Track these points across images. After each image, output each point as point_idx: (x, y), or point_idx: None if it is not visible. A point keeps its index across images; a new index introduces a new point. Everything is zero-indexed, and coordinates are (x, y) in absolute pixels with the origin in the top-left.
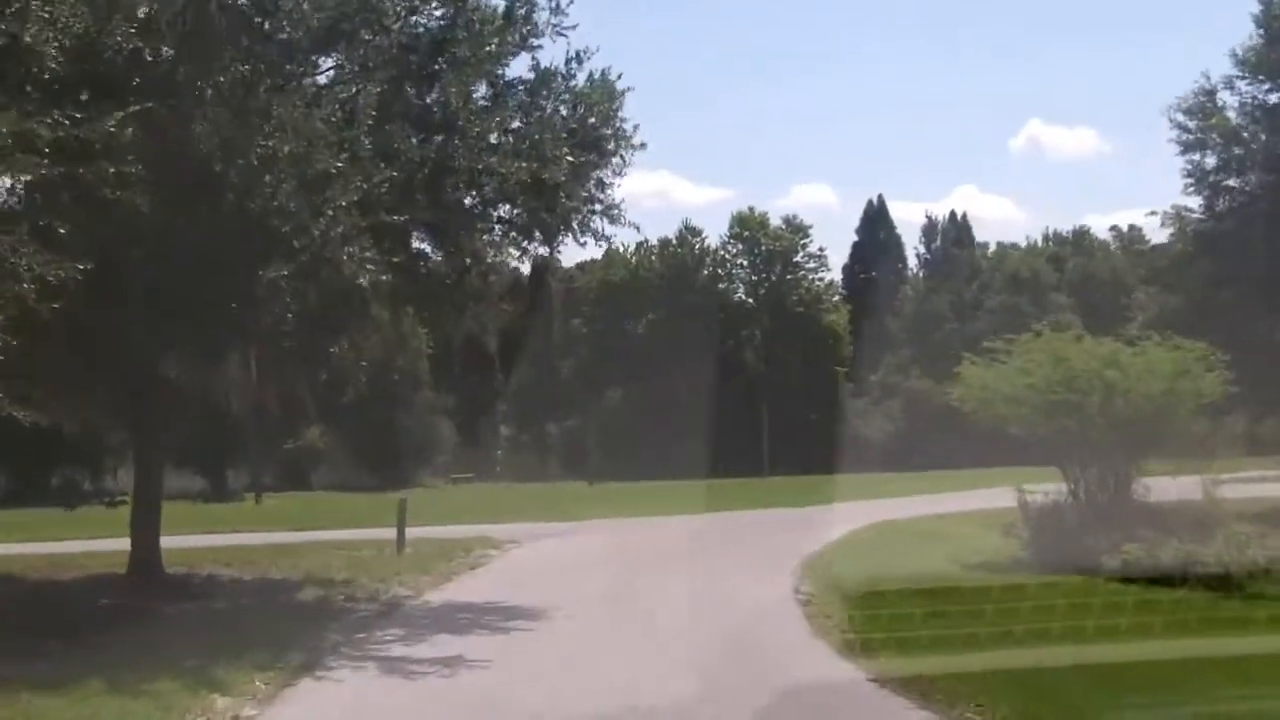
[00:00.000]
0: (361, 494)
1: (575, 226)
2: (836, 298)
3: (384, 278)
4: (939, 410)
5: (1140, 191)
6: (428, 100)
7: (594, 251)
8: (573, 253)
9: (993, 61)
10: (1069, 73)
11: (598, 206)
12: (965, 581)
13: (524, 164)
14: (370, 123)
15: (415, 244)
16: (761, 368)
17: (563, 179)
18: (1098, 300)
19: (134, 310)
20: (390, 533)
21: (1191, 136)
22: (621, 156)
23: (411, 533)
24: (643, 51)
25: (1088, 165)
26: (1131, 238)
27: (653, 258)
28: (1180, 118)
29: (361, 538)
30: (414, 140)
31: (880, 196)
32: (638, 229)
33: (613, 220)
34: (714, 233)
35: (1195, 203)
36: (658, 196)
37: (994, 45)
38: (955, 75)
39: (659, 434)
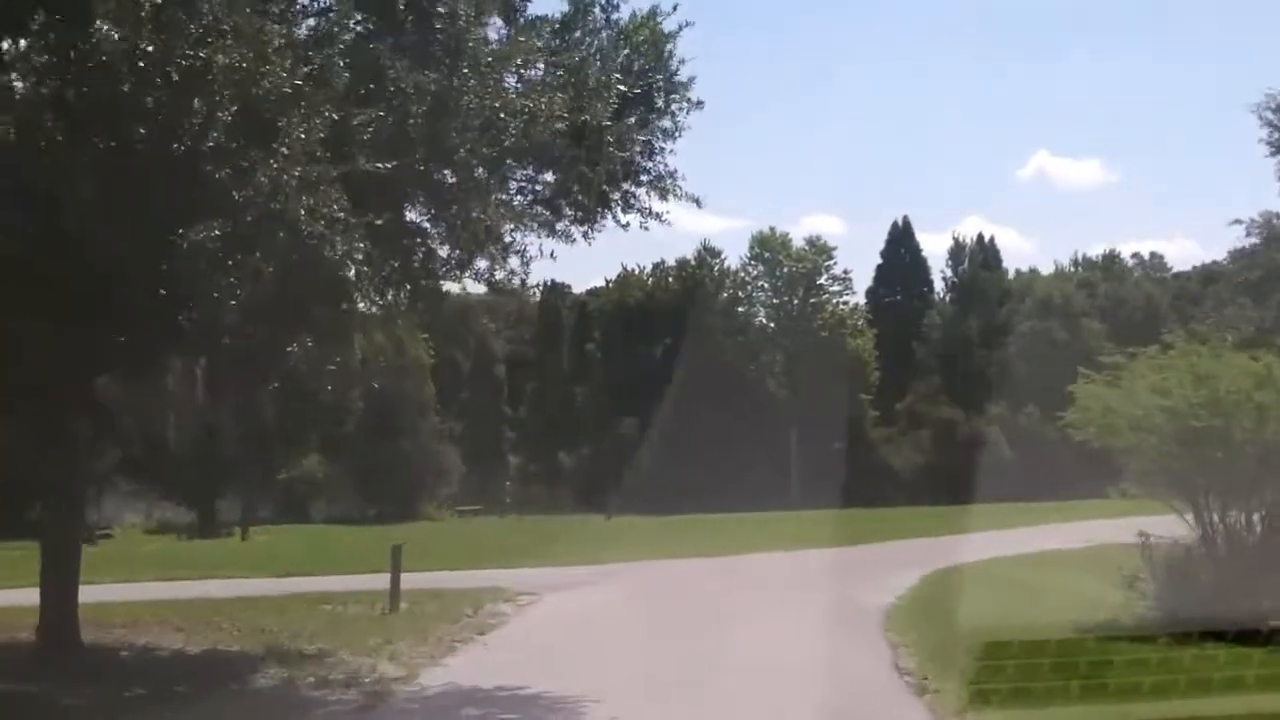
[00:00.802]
0: (363, 527)
1: (621, 194)
2: (862, 321)
3: (360, 246)
4: (969, 440)
5: (1143, 222)
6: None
7: (611, 264)
8: (588, 268)
9: (1000, 93)
10: (1076, 105)
11: (645, 177)
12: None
13: (560, 95)
14: (348, 39)
15: (409, 215)
16: (784, 394)
17: (608, 122)
18: (1132, 326)
19: (31, 299)
20: (387, 579)
21: None
22: (674, 115)
23: (411, 580)
24: None
25: (1093, 196)
26: (1153, 264)
27: (670, 280)
28: (1271, 115)
29: (353, 586)
30: (408, 68)
31: (905, 218)
32: (698, 203)
33: (664, 194)
34: (733, 256)
35: None
36: (665, 224)
37: (1002, 77)
38: (962, 107)
39: (677, 464)
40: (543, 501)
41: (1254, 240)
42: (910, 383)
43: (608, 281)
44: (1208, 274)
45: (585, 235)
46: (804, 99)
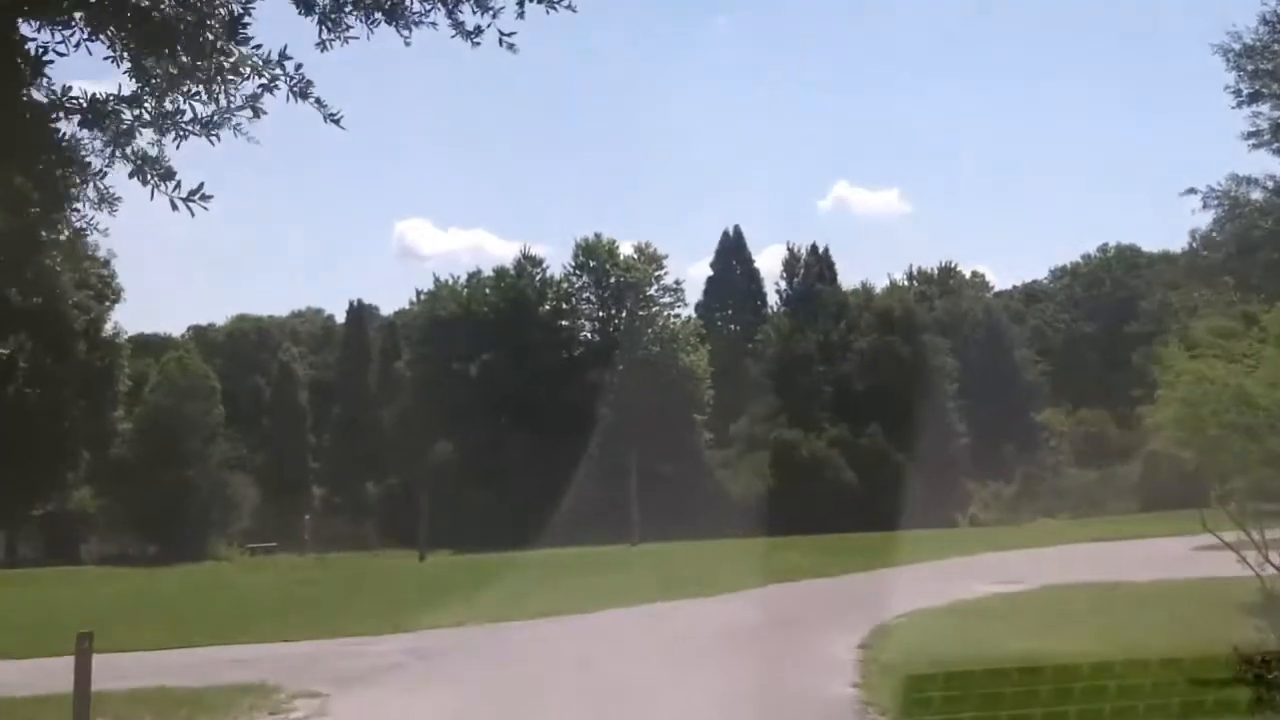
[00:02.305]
0: (138, 568)
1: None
2: (694, 337)
3: None
4: (809, 464)
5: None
6: None
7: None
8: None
9: (802, 125)
10: (874, 138)
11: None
12: None
13: None
14: None
15: None
16: (611, 414)
17: None
18: (975, 341)
19: None
20: (127, 661)
21: (1259, 84)
22: None
23: (141, 663)
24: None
25: (890, 224)
26: (974, 283)
27: (487, 291)
28: (1239, 59)
29: (57, 676)
30: None
31: (737, 228)
32: (338, 123)
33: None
34: (556, 265)
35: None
36: (473, 252)
37: (803, 108)
38: (762, 139)
39: (498, 494)
40: (347, 537)
41: (1215, 212)
42: (746, 403)
43: (419, 294)
44: (1030, 292)
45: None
46: (594, 121)
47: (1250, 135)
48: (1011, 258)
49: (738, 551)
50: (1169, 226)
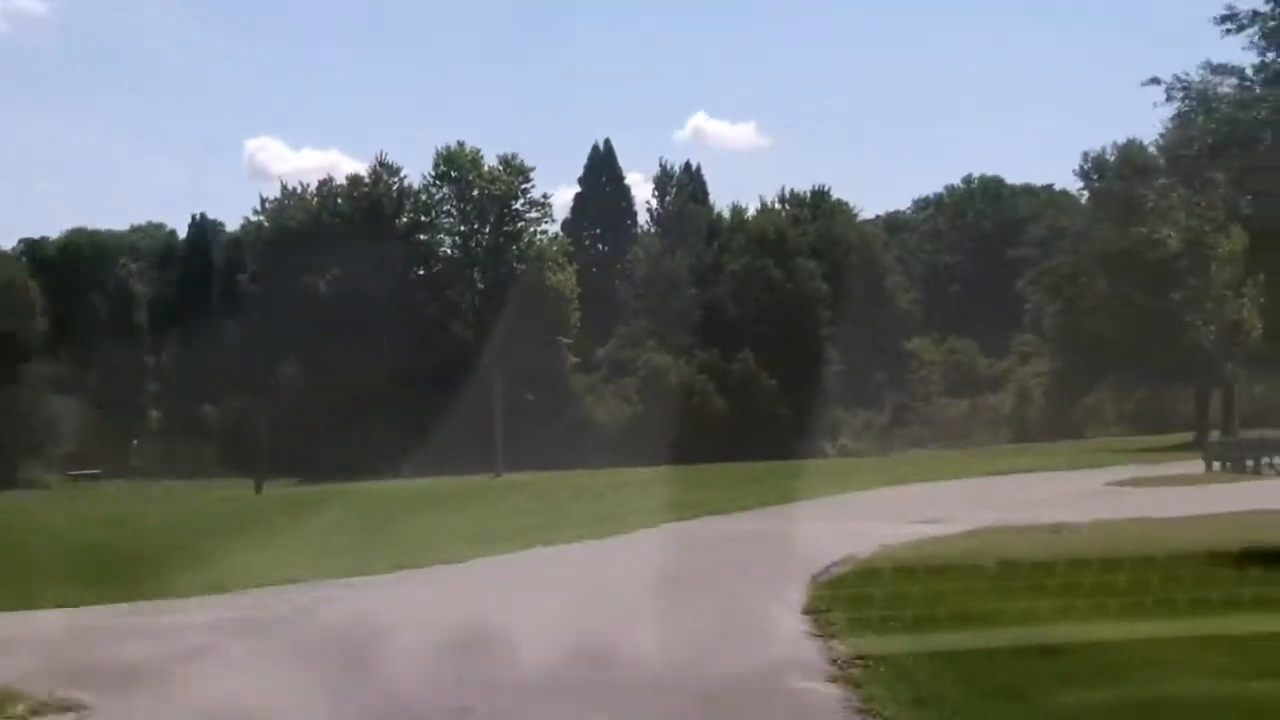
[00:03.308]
0: None
1: None
2: (562, 255)
3: None
4: (678, 390)
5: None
6: None
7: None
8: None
9: (661, 56)
10: (732, 71)
11: None
12: None
13: None
14: None
15: None
16: (472, 335)
17: None
18: (848, 265)
19: None
20: None
21: None
22: None
23: None
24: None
25: (748, 157)
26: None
27: (338, 200)
28: None
29: None
30: None
31: (607, 141)
32: None
33: None
34: (415, 174)
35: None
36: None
37: (665, 39)
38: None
39: (347, 419)
40: (185, 463)
41: (1177, 104)
42: (614, 326)
43: (264, 202)
44: (892, 223)
45: None
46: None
47: (1225, 19)
48: (873, 191)
49: (615, 484)
50: (1034, 160)
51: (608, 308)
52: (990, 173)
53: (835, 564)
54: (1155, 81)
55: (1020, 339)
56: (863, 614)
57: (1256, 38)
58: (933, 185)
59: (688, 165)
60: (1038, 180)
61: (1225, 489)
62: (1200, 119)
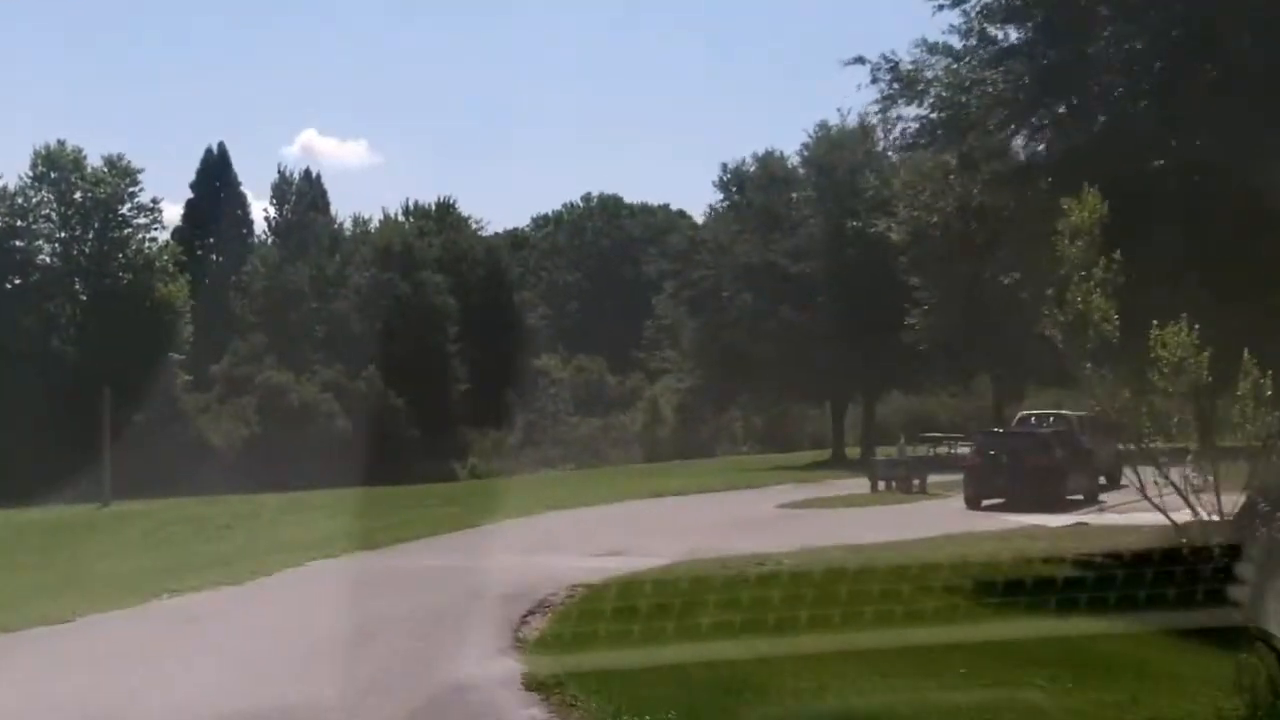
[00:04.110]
0: None
1: None
2: (174, 265)
3: None
4: (299, 410)
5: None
6: None
7: None
8: None
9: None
10: (343, 89)
11: None
12: None
13: None
14: None
15: None
16: (74, 352)
17: None
18: (475, 280)
19: None
20: None
21: None
22: None
23: None
24: None
25: (362, 175)
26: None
27: None
28: None
29: None
30: None
31: (221, 144)
32: None
33: None
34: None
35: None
36: None
37: (276, 52)
38: (225, 69)
39: None
40: None
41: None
42: (230, 341)
43: None
44: (513, 239)
45: None
46: None
47: None
48: (492, 209)
49: (240, 515)
50: (651, 178)
51: (222, 322)
52: (609, 191)
53: (530, 613)
54: (860, 61)
55: (660, 355)
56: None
57: (974, 14)
58: (551, 203)
59: (308, 172)
60: (655, 200)
61: (905, 510)
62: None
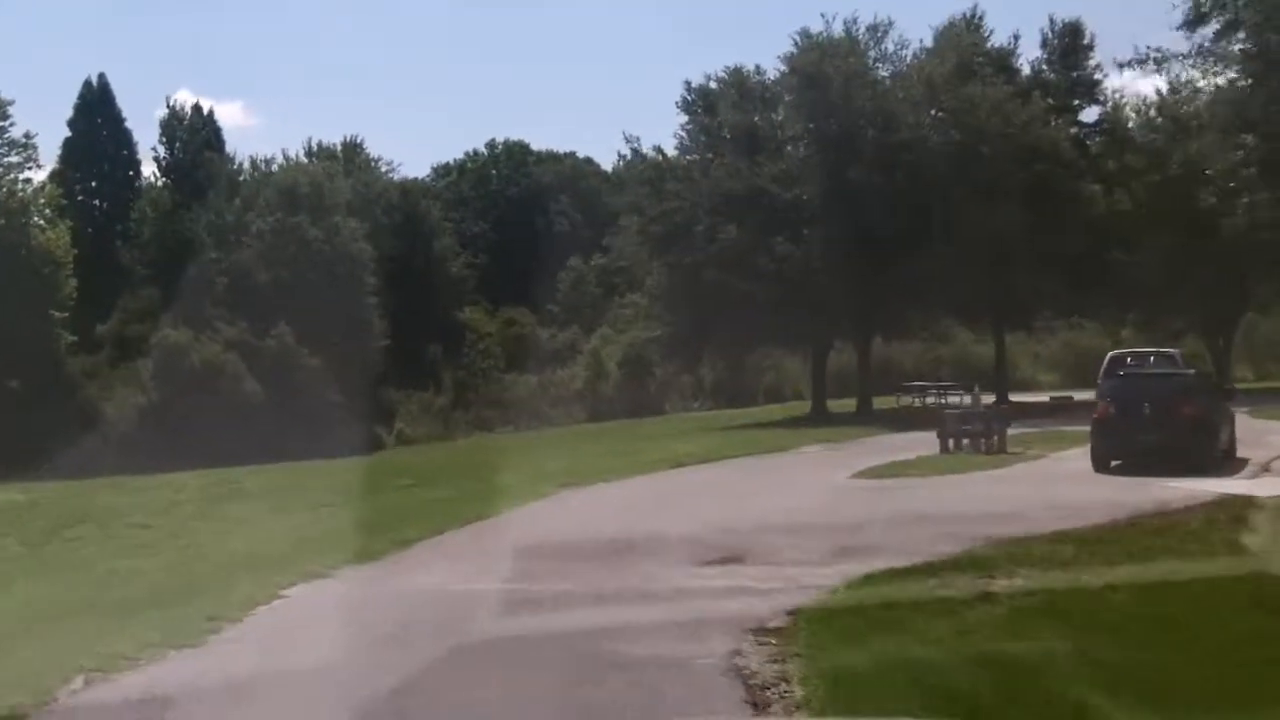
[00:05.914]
0: None
1: None
2: (53, 209)
3: None
4: (201, 372)
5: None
6: None
7: None
8: None
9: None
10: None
11: None
12: None
13: None
14: None
15: None
16: None
17: None
18: (391, 225)
19: None
20: None
21: None
22: None
23: None
24: None
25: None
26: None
27: None
28: None
29: None
30: None
31: (102, 76)
32: None
33: None
34: None
35: None
36: None
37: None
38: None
39: None
40: None
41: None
42: (118, 297)
43: None
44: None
45: None
46: None
47: None
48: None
49: (151, 505)
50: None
51: (109, 275)
52: (514, 138)
53: None
54: None
55: (623, 305)
56: None
57: None
58: (452, 152)
59: (198, 107)
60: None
61: (1028, 476)
62: None
